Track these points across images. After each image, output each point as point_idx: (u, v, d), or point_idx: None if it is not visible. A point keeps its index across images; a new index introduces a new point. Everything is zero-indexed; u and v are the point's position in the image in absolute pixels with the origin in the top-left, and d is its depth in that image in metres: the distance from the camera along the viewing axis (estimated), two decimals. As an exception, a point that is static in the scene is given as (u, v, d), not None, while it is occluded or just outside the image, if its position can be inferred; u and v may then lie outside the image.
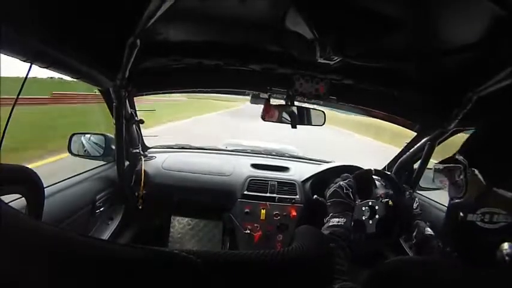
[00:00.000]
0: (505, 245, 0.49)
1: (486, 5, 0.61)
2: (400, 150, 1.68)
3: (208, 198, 1.68)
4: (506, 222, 0.50)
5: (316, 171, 1.68)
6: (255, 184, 1.65)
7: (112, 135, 1.41)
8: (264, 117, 1.35)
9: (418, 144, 1.49)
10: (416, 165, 1.58)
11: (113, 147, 1.44)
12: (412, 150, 1.55)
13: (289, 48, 1.07)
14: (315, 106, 1.42)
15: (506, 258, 0.49)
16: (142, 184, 1.54)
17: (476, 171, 0.53)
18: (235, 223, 1.61)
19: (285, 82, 1.26)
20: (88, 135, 1.53)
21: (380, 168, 1.60)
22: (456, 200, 0.57)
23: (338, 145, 9.47)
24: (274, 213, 1.58)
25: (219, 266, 0.38)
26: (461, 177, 0.55)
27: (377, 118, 1.60)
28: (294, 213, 1.59)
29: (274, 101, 1.36)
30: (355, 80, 1.24)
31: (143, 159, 1.64)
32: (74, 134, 1.43)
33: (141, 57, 1.00)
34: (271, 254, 0.41)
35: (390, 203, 1.19)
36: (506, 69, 0.79)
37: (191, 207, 1.75)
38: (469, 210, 0.53)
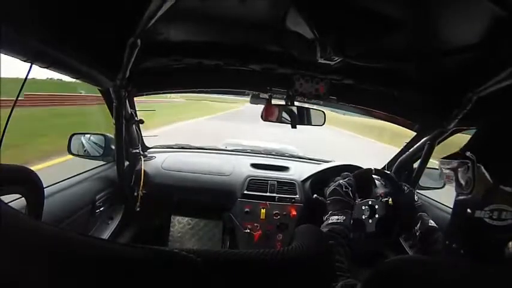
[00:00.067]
0: None
1: (486, 5, 0.61)
2: (400, 149, 1.69)
3: (208, 198, 1.68)
4: None
5: (315, 171, 1.69)
6: (255, 184, 1.65)
7: (112, 135, 1.41)
8: (264, 117, 1.35)
9: (417, 144, 1.50)
10: (416, 165, 1.59)
11: (113, 147, 1.44)
12: (411, 149, 1.55)
13: (290, 48, 1.07)
14: (316, 106, 1.43)
15: None
16: (141, 184, 1.54)
17: (483, 168, 0.52)
18: (235, 222, 1.61)
19: (285, 82, 1.26)
20: (88, 135, 1.53)
21: (380, 167, 1.60)
22: (463, 197, 0.56)
23: (340, 146, 9.39)
24: (274, 212, 1.59)
25: (219, 265, 0.38)
26: (469, 173, 0.54)
27: (377, 118, 1.60)
28: (294, 212, 1.59)
29: (274, 101, 1.36)
30: (355, 80, 1.24)
31: (143, 159, 1.64)
32: (73, 134, 1.44)
33: (141, 57, 1.00)
34: (271, 253, 0.41)
35: (390, 202, 1.19)
36: (506, 69, 0.79)
37: (191, 207, 1.75)
38: (477, 207, 0.52)
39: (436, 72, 1.08)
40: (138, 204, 1.52)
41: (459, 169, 0.57)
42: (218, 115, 18.47)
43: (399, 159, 1.65)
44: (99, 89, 1.24)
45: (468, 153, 0.55)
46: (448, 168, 0.60)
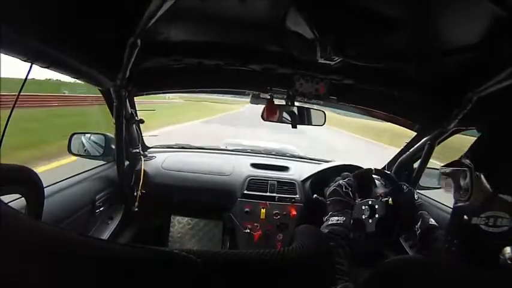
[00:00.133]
0: (508, 249, 0.50)
1: (486, 5, 0.60)
2: (400, 149, 1.69)
3: (208, 198, 1.68)
4: (510, 226, 0.50)
5: (315, 171, 1.69)
6: (255, 183, 1.65)
7: (112, 135, 1.41)
8: (264, 117, 1.35)
9: (418, 144, 1.49)
10: (416, 165, 1.59)
11: (113, 146, 1.44)
12: (412, 149, 1.55)
13: (290, 48, 1.07)
14: (316, 106, 1.42)
15: (509, 262, 0.49)
16: (140, 184, 1.54)
17: (482, 176, 0.53)
18: (235, 222, 1.61)
19: (285, 82, 1.26)
20: (88, 135, 1.53)
21: (380, 167, 1.60)
22: (461, 204, 0.57)
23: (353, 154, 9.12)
24: (274, 212, 1.59)
25: (219, 266, 0.38)
26: (467, 180, 0.55)
27: (377, 118, 1.60)
28: (294, 212, 1.59)
29: (274, 101, 1.36)
30: (356, 80, 1.24)
31: (143, 159, 1.63)
32: (74, 134, 1.44)
33: (141, 57, 1.00)
34: (271, 254, 0.41)
35: (390, 202, 1.19)
36: (506, 69, 0.79)
37: (191, 207, 1.75)
38: (474, 214, 0.53)
39: (436, 72, 1.08)
40: (136, 204, 1.52)
41: (457, 177, 0.57)
42: (215, 117, 17.06)
43: (399, 159, 1.65)
44: (99, 89, 1.24)
45: (467, 161, 0.56)
46: (447, 176, 0.61)
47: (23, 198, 0.67)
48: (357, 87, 1.30)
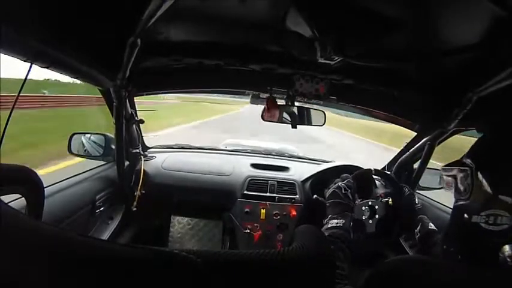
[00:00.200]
0: (507, 248, 0.50)
1: (486, 5, 0.61)
2: (400, 150, 1.69)
3: (208, 198, 1.68)
4: (510, 225, 0.50)
5: (315, 171, 1.69)
6: (255, 184, 1.65)
7: (112, 135, 1.41)
8: (264, 117, 1.35)
9: (418, 144, 1.49)
10: (416, 165, 1.59)
11: (113, 147, 1.44)
12: (411, 150, 1.55)
13: (290, 48, 1.07)
14: (316, 106, 1.42)
15: (508, 260, 0.49)
16: (140, 184, 1.54)
17: (482, 175, 0.53)
18: (235, 223, 1.61)
19: (285, 82, 1.26)
20: (88, 135, 1.53)
21: (380, 168, 1.60)
22: (461, 202, 0.57)
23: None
24: (274, 212, 1.59)
25: (219, 266, 0.38)
26: (468, 179, 0.55)
27: (377, 118, 1.60)
28: (294, 212, 1.59)
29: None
30: (356, 80, 1.24)
31: (143, 159, 1.63)
32: (74, 134, 1.43)
33: (141, 57, 1.00)
34: (271, 254, 0.41)
35: (390, 202, 1.19)
36: (507, 69, 0.79)
37: (191, 207, 1.75)
38: (474, 212, 0.53)
39: (436, 72, 1.08)
40: (135, 204, 1.52)
41: (458, 176, 0.58)
42: (211, 120, 15.39)
43: (399, 160, 1.65)
44: (99, 89, 1.24)
45: (468, 161, 0.56)
46: (448, 175, 0.61)
47: (23, 198, 0.67)
48: (357, 87, 1.30)
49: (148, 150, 1.83)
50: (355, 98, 1.39)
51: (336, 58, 0.92)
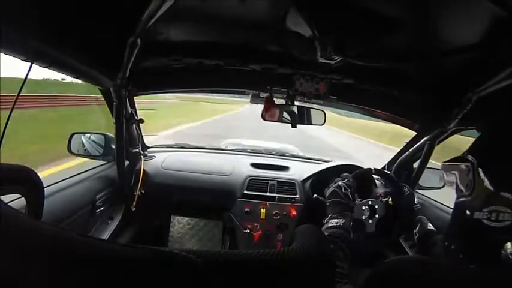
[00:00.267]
0: (509, 245, 0.49)
1: (486, 5, 0.61)
2: (400, 149, 1.69)
3: (208, 198, 1.68)
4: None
5: (315, 171, 1.69)
6: (255, 183, 1.65)
7: (112, 135, 1.41)
8: (264, 117, 1.35)
9: (417, 144, 1.50)
10: (415, 165, 1.59)
11: (113, 146, 1.44)
12: (411, 149, 1.55)
13: (290, 48, 1.07)
14: (316, 106, 1.42)
15: (510, 257, 0.49)
16: (140, 184, 1.54)
17: (484, 171, 0.53)
18: (235, 222, 1.61)
19: (285, 82, 1.26)
20: (88, 135, 1.53)
21: (380, 167, 1.60)
22: (463, 199, 0.57)
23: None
24: (274, 212, 1.59)
25: (219, 266, 0.38)
26: (470, 175, 0.55)
27: (377, 118, 1.60)
28: (294, 212, 1.59)
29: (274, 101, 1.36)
30: (356, 80, 1.24)
31: (143, 158, 1.63)
32: (74, 134, 1.43)
33: (141, 56, 1.00)
34: (271, 254, 0.41)
35: (390, 202, 1.19)
36: (506, 69, 0.79)
37: (191, 207, 1.75)
38: (476, 208, 0.53)
39: (436, 72, 1.08)
40: (135, 204, 1.52)
41: (460, 172, 0.57)
42: (207, 122, 14.56)
43: (399, 159, 1.65)
44: (99, 89, 1.24)
45: (470, 157, 0.55)
46: (449, 171, 0.61)
47: (23, 198, 0.67)
48: (357, 87, 1.30)
49: (148, 150, 1.83)
50: (355, 97, 1.39)
51: (336, 58, 0.92)
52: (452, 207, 0.61)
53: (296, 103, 1.36)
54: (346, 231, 0.90)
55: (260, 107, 1.38)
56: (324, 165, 1.74)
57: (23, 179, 0.65)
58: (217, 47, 1.11)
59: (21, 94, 0.78)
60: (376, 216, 1.16)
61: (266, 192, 1.63)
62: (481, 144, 0.59)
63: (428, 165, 1.51)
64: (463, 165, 0.57)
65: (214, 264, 0.37)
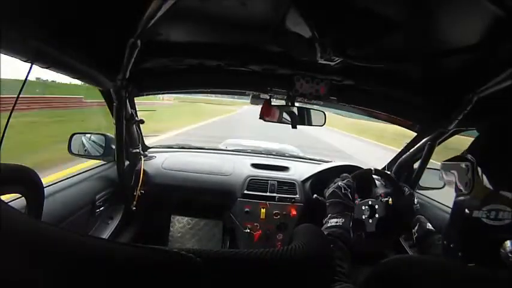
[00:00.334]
0: (508, 243, 0.49)
1: (486, 5, 0.61)
2: (400, 150, 1.69)
3: (208, 198, 1.68)
4: (511, 220, 0.50)
5: (315, 171, 1.69)
6: (255, 183, 1.65)
7: (112, 135, 1.41)
8: (264, 118, 1.35)
9: (418, 144, 1.50)
10: (416, 165, 1.59)
11: (113, 146, 1.44)
12: (412, 150, 1.55)
13: (290, 49, 1.07)
14: (316, 106, 1.42)
15: (510, 255, 0.49)
16: (140, 184, 1.54)
17: (483, 170, 0.53)
18: (235, 222, 1.61)
19: (286, 83, 1.26)
20: (88, 135, 1.53)
21: (380, 167, 1.60)
22: (462, 197, 0.57)
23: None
24: (274, 212, 1.59)
25: (219, 265, 0.38)
26: (469, 174, 0.55)
27: (377, 119, 1.60)
28: (294, 212, 1.60)
29: (274, 102, 1.36)
30: (356, 81, 1.24)
31: (143, 159, 1.64)
32: (74, 134, 1.44)
33: (141, 57, 1.00)
34: (271, 253, 0.41)
35: (390, 202, 1.19)
36: (507, 70, 0.79)
37: (191, 207, 1.75)
38: (475, 207, 0.53)
39: (436, 72, 1.08)
40: (135, 204, 1.52)
41: (459, 170, 0.57)
42: (193, 129, 12.70)
43: (399, 160, 1.65)
44: (99, 89, 1.24)
45: (469, 156, 0.55)
46: (448, 171, 0.60)
47: (23, 198, 0.67)
48: (357, 87, 1.30)
49: (149, 150, 1.83)
50: (355, 98, 1.39)
51: (336, 59, 0.92)
52: (451, 207, 0.61)
53: (296, 104, 1.36)
54: (346, 231, 0.90)
55: (259, 108, 1.38)
56: (324, 166, 1.74)
57: (23, 179, 0.65)
58: (217, 48, 1.11)
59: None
60: (376, 216, 1.16)
61: (266, 192, 1.63)
62: (480, 143, 0.59)
63: (429, 166, 1.51)
64: (462, 165, 0.57)
65: (214, 264, 0.37)
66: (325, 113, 1.43)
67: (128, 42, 0.86)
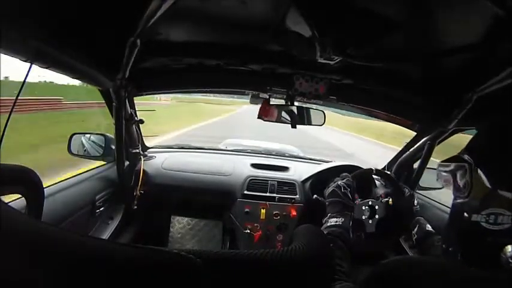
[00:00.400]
0: (509, 248, 0.49)
1: (486, 5, 0.61)
2: (400, 149, 1.69)
3: (208, 198, 1.68)
4: (511, 224, 0.49)
5: (315, 171, 1.69)
6: (255, 184, 1.65)
7: (112, 135, 1.41)
8: (263, 117, 1.35)
9: (418, 144, 1.50)
10: (416, 165, 1.59)
11: (113, 147, 1.44)
12: (412, 149, 1.55)
13: (289, 48, 1.07)
14: (315, 106, 1.42)
15: (510, 260, 0.48)
16: (139, 184, 1.54)
17: (481, 171, 0.52)
18: (235, 223, 1.61)
19: (285, 82, 1.26)
20: (88, 135, 1.53)
21: (381, 166, 1.60)
22: (460, 200, 0.56)
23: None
24: (274, 212, 1.59)
25: (219, 266, 0.38)
26: (467, 176, 0.54)
27: (377, 118, 1.60)
28: (294, 213, 1.59)
29: (274, 101, 1.36)
30: (355, 80, 1.24)
31: (143, 159, 1.64)
32: (74, 134, 1.44)
33: (141, 57, 1.00)
34: (271, 254, 0.41)
35: (390, 202, 1.19)
36: (506, 69, 0.79)
37: (191, 207, 1.75)
38: (474, 211, 0.52)
39: (436, 72, 1.08)
40: (136, 203, 1.52)
41: (457, 172, 0.57)
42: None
43: (399, 160, 1.65)
44: (99, 89, 1.24)
45: (466, 157, 0.55)
46: (446, 172, 0.60)
47: (23, 198, 0.67)
48: (357, 87, 1.30)
49: (148, 150, 1.83)
50: (355, 97, 1.39)
51: (336, 58, 0.92)
52: (450, 210, 0.60)
53: (296, 103, 1.36)
54: (346, 230, 0.90)
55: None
56: (324, 166, 1.74)
57: (23, 179, 0.65)
58: (217, 47, 1.11)
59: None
60: (376, 216, 1.16)
61: (266, 192, 1.63)
62: (480, 143, 0.59)
63: (430, 165, 1.51)
64: (459, 166, 0.56)
65: (214, 264, 0.37)
66: (325, 112, 1.43)
67: (128, 41, 0.86)
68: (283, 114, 1.36)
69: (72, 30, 0.73)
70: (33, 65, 0.71)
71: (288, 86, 1.27)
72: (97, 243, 0.36)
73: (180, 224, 1.79)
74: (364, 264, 0.99)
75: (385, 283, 0.47)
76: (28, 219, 0.38)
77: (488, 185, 0.51)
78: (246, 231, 1.57)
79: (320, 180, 1.59)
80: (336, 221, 0.92)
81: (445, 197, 1.27)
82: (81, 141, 1.50)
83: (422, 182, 1.58)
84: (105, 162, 1.50)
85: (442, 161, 0.62)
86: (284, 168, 1.82)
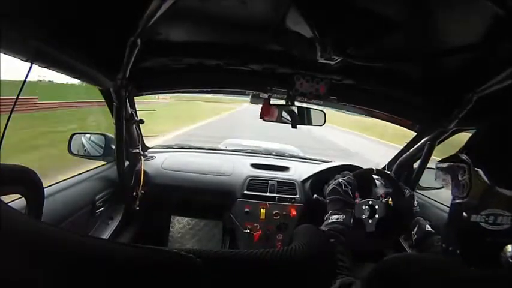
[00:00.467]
0: (509, 248, 0.49)
1: (486, 5, 0.61)
2: (400, 149, 1.69)
3: (208, 198, 1.68)
4: (510, 224, 0.49)
5: (315, 171, 1.69)
6: (255, 184, 1.65)
7: (112, 135, 1.41)
8: (263, 117, 1.35)
9: (418, 144, 1.50)
10: (416, 165, 1.59)
11: (113, 147, 1.44)
12: (412, 149, 1.55)
13: (290, 48, 1.07)
14: (315, 106, 1.42)
15: (510, 260, 0.48)
16: (140, 184, 1.54)
17: (480, 171, 0.52)
18: (235, 223, 1.61)
19: (286, 82, 1.26)
20: (88, 135, 1.53)
21: (380, 167, 1.60)
22: (459, 200, 0.56)
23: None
24: (274, 212, 1.59)
25: (219, 265, 0.38)
26: (465, 176, 0.54)
27: (377, 118, 1.60)
28: (294, 212, 1.60)
29: (274, 101, 1.36)
30: (356, 80, 1.24)
31: (143, 159, 1.64)
32: (74, 134, 1.44)
33: (141, 57, 1.00)
34: (271, 253, 0.41)
35: (390, 202, 1.19)
36: (507, 69, 0.79)
37: (191, 207, 1.75)
38: (473, 211, 0.52)
39: (436, 72, 1.08)
40: (138, 203, 1.52)
41: (455, 172, 0.57)
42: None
43: (399, 159, 1.65)
44: (99, 89, 1.24)
45: (465, 157, 0.55)
46: (444, 172, 0.60)
47: (23, 198, 0.67)
48: (357, 87, 1.30)
49: (148, 150, 1.83)
50: (355, 98, 1.39)
51: (336, 58, 0.92)
52: (449, 210, 0.60)
53: (296, 103, 1.36)
54: (347, 227, 0.91)
55: (259, 107, 1.38)
56: (324, 166, 1.74)
57: (23, 179, 0.65)
58: (217, 47, 1.11)
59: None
60: (376, 216, 1.16)
61: (266, 192, 1.63)
62: (477, 143, 0.59)
63: (429, 165, 1.51)
64: (457, 166, 0.56)
65: (214, 264, 0.37)
66: (326, 111, 1.43)
67: (128, 41, 0.86)
68: (284, 114, 1.36)
69: (73, 30, 0.73)
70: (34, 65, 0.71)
71: (288, 86, 1.27)
72: (97, 243, 0.36)
73: (180, 223, 1.79)
74: (365, 262, 0.99)
75: (384, 280, 0.47)
76: (28, 219, 0.38)
77: (487, 185, 0.51)
78: (246, 231, 1.57)
79: (320, 180, 1.59)
80: (337, 218, 0.92)
81: (445, 196, 1.27)
82: (81, 141, 1.50)
83: (423, 182, 1.58)
84: (105, 162, 1.51)
85: (440, 161, 0.61)
86: (284, 168, 1.82)
